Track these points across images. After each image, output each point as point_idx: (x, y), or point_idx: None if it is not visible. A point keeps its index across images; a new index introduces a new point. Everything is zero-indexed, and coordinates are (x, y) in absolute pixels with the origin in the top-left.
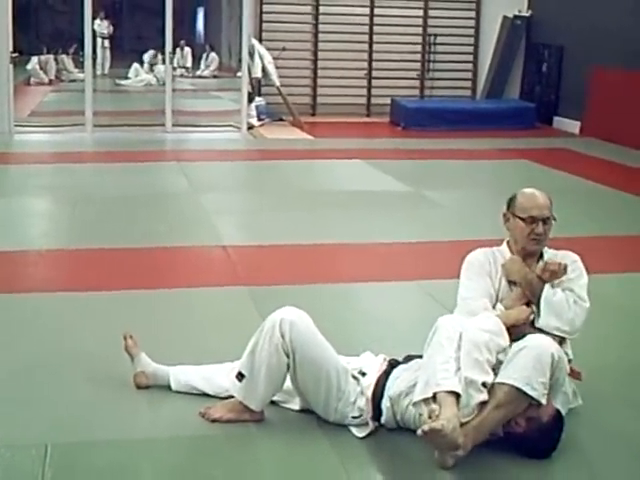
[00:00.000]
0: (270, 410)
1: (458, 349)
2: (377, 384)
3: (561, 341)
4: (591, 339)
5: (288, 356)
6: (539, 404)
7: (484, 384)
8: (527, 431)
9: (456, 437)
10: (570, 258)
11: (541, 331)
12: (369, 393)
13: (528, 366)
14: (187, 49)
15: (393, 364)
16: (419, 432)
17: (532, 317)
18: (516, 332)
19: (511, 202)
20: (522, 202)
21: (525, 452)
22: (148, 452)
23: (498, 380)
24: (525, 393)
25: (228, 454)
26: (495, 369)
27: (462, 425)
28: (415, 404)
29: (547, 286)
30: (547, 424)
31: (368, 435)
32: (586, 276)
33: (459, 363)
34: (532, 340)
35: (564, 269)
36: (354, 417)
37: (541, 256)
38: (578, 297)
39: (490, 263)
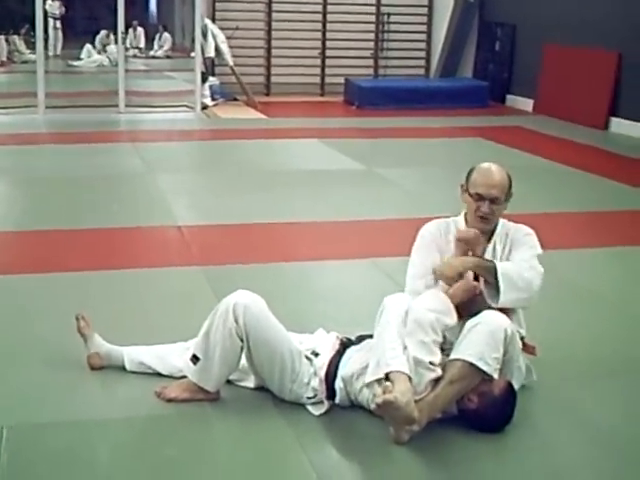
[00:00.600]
0: (225, 389)
1: (404, 328)
2: (330, 365)
3: (513, 317)
4: (545, 314)
5: (242, 340)
6: (491, 379)
7: (431, 363)
8: (480, 407)
9: (411, 411)
10: (523, 231)
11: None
12: (322, 374)
13: (481, 342)
14: (140, 29)
15: (346, 344)
16: (373, 406)
17: (478, 291)
18: (470, 309)
19: (469, 175)
20: (475, 177)
21: (479, 427)
22: (104, 433)
23: (452, 356)
24: (478, 368)
25: (184, 433)
26: (444, 348)
27: (416, 402)
28: (368, 385)
29: (498, 264)
30: (499, 398)
31: (324, 413)
32: (539, 248)
33: (405, 343)
34: (486, 316)
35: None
36: (309, 397)
37: (492, 232)
38: (530, 266)
39: (442, 235)
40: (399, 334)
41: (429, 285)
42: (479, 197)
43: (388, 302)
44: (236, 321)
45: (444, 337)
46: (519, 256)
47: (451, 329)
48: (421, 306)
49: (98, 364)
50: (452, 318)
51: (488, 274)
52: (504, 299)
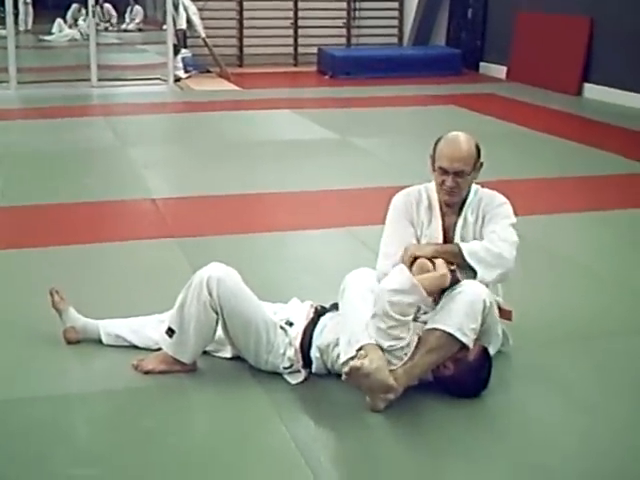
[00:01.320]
0: (202, 360)
1: (368, 305)
2: (304, 334)
3: (490, 285)
4: (520, 280)
5: (217, 313)
6: (468, 349)
7: (390, 346)
8: (455, 373)
9: (384, 377)
10: (497, 201)
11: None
12: (297, 343)
13: (460, 312)
14: (109, 4)
15: (320, 312)
16: (344, 377)
17: (449, 281)
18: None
19: (435, 146)
20: (440, 149)
21: (455, 392)
22: (82, 406)
23: (430, 325)
24: (456, 339)
25: (162, 405)
26: (418, 316)
27: (393, 371)
28: (343, 364)
29: (462, 246)
30: (474, 364)
31: (301, 382)
32: (513, 217)
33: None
34: (464, 287)
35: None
36: (285, 367)
37: (464, 202)
38: (500, 237)
39: (413, 205)
40: (364, 310)
41: (396, 264)
42: (443, 171)
43: (349, 279)
44: (210, 294)
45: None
46: (491, 228)
47: (418, 303)
48: (383, 287)
49: (74, 338)
50: (418, 293)
51: (456, 257)
52: (482, 278)
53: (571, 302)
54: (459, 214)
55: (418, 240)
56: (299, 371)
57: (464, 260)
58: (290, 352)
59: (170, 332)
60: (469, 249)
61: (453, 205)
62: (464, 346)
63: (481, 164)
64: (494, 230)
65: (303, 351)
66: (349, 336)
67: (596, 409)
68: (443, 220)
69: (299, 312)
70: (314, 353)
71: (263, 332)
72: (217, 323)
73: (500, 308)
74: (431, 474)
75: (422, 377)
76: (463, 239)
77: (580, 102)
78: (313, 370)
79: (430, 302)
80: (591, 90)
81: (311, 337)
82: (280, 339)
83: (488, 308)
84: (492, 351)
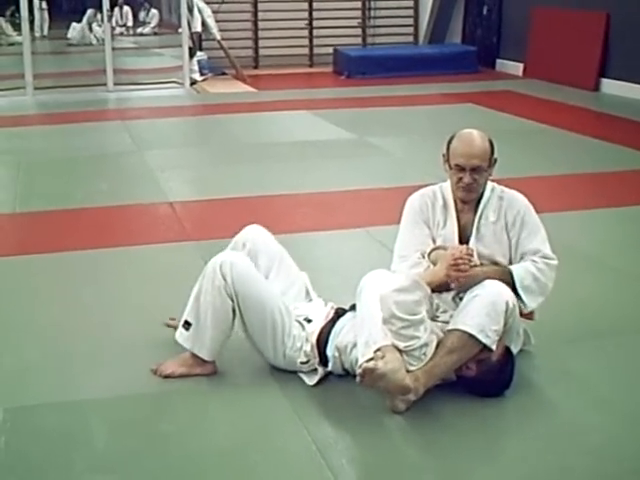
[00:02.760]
0: (221, 363)
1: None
2: (321, 331)
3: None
4: None
5: (232, 299)
6: (490, 350)
7: (406, 347)
8: (479, 374)
9: (400, 378)
10: (521, 202)
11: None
12: (313, 339)
13: (482, 313)
14: (126, 7)
15: (340, 313)
16: (358, 379)
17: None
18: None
19: (449, 143)
20: (455, 146)
21: (478, 392)
22: (100, 412)
23: (451, 326)
24: (478, 340)
25: (180, 409)
26: (438, 315)
27: (412, 371)
28: (361, 366)
29: (515, 274)
30: (498, 364)
31: (319, 382)
32: (540, 224)
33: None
34: (487, 287)
35: (468, 257)
36: (302, 362)
37: (479, 200)
38: (544, 257)
39: (428, 206)
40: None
41: (412, 266)
42: (460, 168)
43: (366, 281)
44: (224, 279)
45: (435, 305)
46: (533, 245)
47: (442, 299)
48: (385, 290)
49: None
50: (420, 290)
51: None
52: (528, 307)
53: (592, 299)
54: (475, 212)
55: (433, 241)
56: (315, 369)
57: (513, 286)
58: (307, 347)
59: (187, 325)
60: (521, 279)
61: (469, 202)
62: (487, 348)
63: (495, 160)
64: (538, 250)
65: (319, 348)
66: (366, 338)
67: (621, 408)
68: (458, 220)
69: (319, 311)
70: (332, 352)
71: (279, 319)
72: (234, 312)
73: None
74: (453, 476)
75: (444, 377)
76: (480, 238)
77: (597, 97)
78: (329, 368)
79: (427, 294)
80: (608, 85)
81: (328, 335)
82: (296, 332)
83: (511, 310)
84: (514, 350)
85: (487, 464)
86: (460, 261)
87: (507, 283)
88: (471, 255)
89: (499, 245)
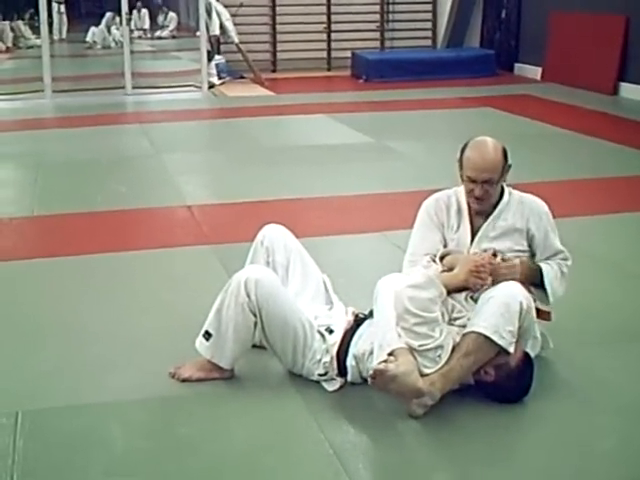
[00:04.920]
0: (239, 367)
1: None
2: (342, 342)
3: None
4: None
5: (255, 315)
6: (507, 353)
7: (420, 345)
8: (497, 379)
9: (412, 381)
10: (538, 208)
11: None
12: (334, 351)
13: (496, 314)
14: (144, 10)
15: (359, 320)
16: (369, 381)
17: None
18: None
19: (462, 151)
20: (467, 157)
21: (497, 398)
22: (119, 415)
23: (467, 329)
24: (493, 341)
25: (199, 413)
26: (456, 317)
27: (428, 375)
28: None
29: (545, 272)
30: (516, 369)
31: (339, 389)
32: (555, 226)
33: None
34: (501, 289)
35: (490, 265)
36: (320, 375)
37: (497, 204)
38: (565, 260)
39: (442, 210)
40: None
41: (426, 266)
42: (471, 180)
43: (381, 285)
44: (248, 296)
45: (451, 305)
46: (553, 248)
47: (439, 296)
48: (398, 286)
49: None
50: (434, 288)
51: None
52: (550, 303)
53: (612, 302)
54: (490, 215)
55: (446, 245)
56: (334, 379)
57: (540, 282)
58: (326, 359)
59: (207, 335)
60: (548, 274)
61: (481, 213)
62: (502, 350)
63: (509, 166)
64: (560, 251)
65: (339, 359)
66: (380, 341)
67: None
68: (472, 224)
69: (340, 320)
70: (350, 362)
71: (301, 334)
72: (255, 326)
73: (538, 309)
74: None
75: (462, 381)
76: (486, 234)
77: (616, 101)
78: (349, 379)
79: (442, 292)
80: (627, 89)
81: (348, 346)
82: (317, 345)
83: (525, 310)
84: (532, 354)
85: (504, 470)
86: (482, 269)
87: (534, 277)
88: (493, 262)
89: (510, 242)
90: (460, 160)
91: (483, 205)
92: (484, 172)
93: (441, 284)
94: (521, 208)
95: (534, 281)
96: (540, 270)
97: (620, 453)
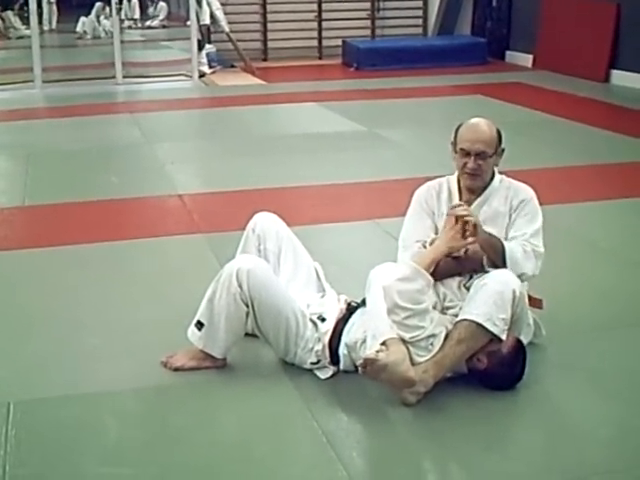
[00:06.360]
0: (232, 356)
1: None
2: (334, 331)
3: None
4: (551, 269)
5: (247, 305)
6: (499, 340)
7: (412, 337)
8: (490, 366)
9: (403, 370)
10: (524, 194)
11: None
12: (326, 340)
13: (489, 302)
14: (134, 0)
15: (351, 309)
16: (360, 370)
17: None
18: (470, 266)
19: (456, 131)
20: (461, 132)
21: (489, 386)
22: (111, 405)
23: (460, 317)
24: (486, 329)
25: (191, 402)
26: (448, 307)
27: (420, 363)
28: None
29: (506, 247)
30: (509, 357)
31: (331, 377)
32: (540, 217)
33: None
34: (494, 276)
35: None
36: (312, 363)
37: (484, 189)
38: (533, 246)
39: (433, 197)
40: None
41: (413, 256)
42: (465, 153)
43: (374, 275)
44: (240, 286)
45: (442, 294)
46: (521, 230)
47: (448, 288)
48: (387, 281)
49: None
50: (422, 279)
51: (494, 252)
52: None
53: (604, 289)
54: (477, 197)
55: (436, 232)
56: (327, 367)
57: (502, 257)
58: (318, 347)
59: (199, 325)
60: (511, 251)
61: (475, 191)
62: (495, 337)
63: (502, 150)
64: (528, 239)
65: (331, 348)
66: (373, 331)
67: (635, 401)
68: None
69: (332, 308)
70: (342, 350)
71: (293, 324)
72: (247, 316)
73: (530, 296)
74: (465, 468)
75: (455, 369)
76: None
77: (607, 89)
78: (341, 367)
79: (430, 282)
80: (618, 76)
81: (340, 334)
82: (309, 333)
83: (518, 298)
84: (525, 341)
85: (498, 456)
86: (459, 208)
87: (497, 252)
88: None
89: (496, 228)
90: (454, 138)
91: (476, 181)
92: (477, 143)
93: (426, 272)
94: (506, 193)
95: (496, 250)
96: (501, 241)
97: (614, 439)
